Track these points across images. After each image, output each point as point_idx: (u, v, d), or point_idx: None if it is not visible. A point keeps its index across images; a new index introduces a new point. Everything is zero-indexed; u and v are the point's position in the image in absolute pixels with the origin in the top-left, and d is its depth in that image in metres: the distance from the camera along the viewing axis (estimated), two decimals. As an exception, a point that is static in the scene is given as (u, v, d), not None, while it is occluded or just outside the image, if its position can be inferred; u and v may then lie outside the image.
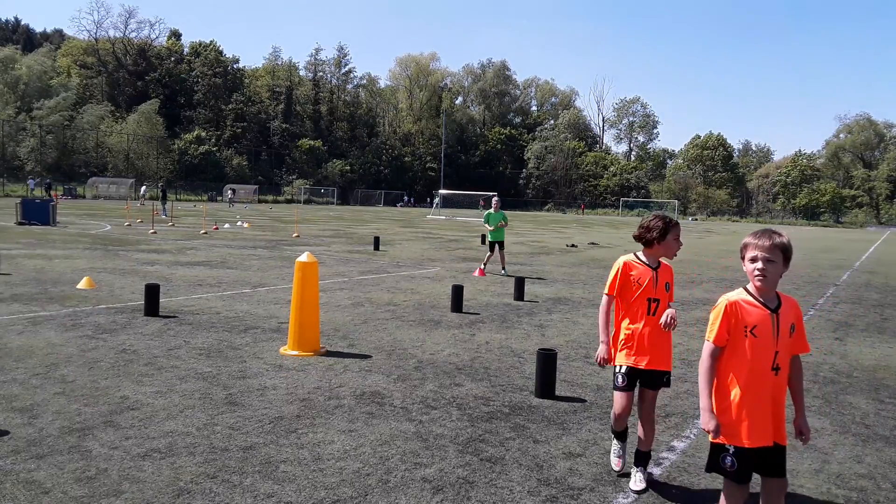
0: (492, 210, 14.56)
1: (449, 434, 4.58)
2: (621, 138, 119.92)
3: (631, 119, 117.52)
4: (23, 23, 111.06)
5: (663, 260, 3.99)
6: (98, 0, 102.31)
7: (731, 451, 2.88)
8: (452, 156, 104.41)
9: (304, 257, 6.82)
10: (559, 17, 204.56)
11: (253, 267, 13.77)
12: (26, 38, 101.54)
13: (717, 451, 2.94)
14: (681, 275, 15.93)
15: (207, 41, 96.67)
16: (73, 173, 67.97)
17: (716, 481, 3.81)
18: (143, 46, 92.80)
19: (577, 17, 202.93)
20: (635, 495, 3.79)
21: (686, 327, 9.12)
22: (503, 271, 14.26)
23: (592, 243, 27.08)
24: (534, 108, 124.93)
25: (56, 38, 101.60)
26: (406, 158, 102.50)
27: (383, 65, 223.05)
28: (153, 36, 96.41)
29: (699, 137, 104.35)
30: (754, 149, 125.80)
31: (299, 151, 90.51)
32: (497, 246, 14.38)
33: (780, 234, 2.86)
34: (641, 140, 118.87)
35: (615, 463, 4.08)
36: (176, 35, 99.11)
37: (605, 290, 3.98)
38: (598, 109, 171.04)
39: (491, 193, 20.89)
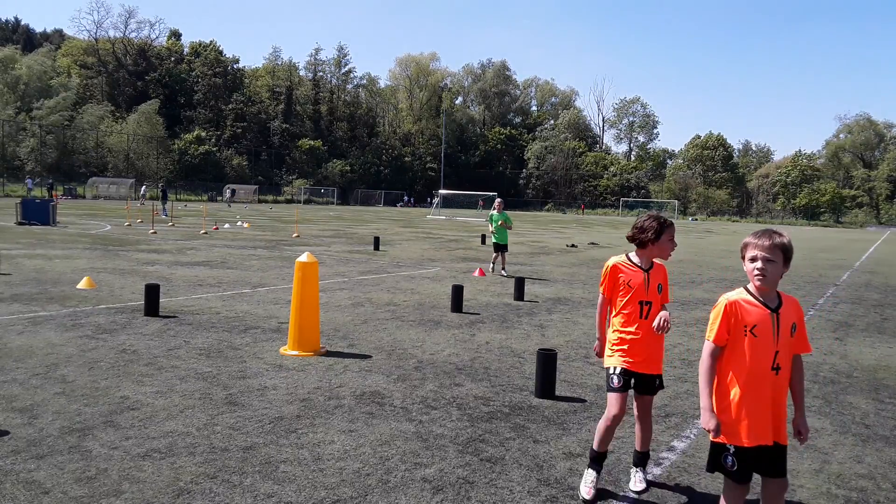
0: (494, 211, 14.57)
1: (449, 434, 4.58)
2: (621, 138, 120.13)
3: (631, 119, 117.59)
4: (23, 23, 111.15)
5: (657, 260, 3.87)
6: (98, 0, 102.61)
7: (731, 451, 2.88)
8: (452, 156, 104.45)
9: (304, 257, 6.81)
10: (559, 17, 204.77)
11: (253, 267, 13.77)
12: (26, 38, 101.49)
13: (717, 450, 2.94)
14: (681, 275, 15.92)
15: (207, 41, 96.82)
16: (73, 173, 67.97)
17: (716, 481, 3.82)
18: (143, 46, 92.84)
19: (577, 17, 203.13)
20: (635, 495, 3.79)
21: (686, 327, 9.12)
22: (503, 272, 14.25)
23: (592, 243, 27.09)
24: (534, 108, 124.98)
25: (56, 38, 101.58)
26: (406, 158, 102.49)
27: (383, 65, 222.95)
28: (153, 36, 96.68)
29: (699, 137, 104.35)
30: (754, 149, 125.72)
31: (299, 151, 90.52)
32: (499, 247, 14.38)
33: (780, 235, 2.86)
34: (641, 140, 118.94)
35: (586, 492, 3.72)
36: (176, 35, 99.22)
37: (600, 290, 3.95)
38: (598, 109, 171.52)
39: (491, 194, 20.93)
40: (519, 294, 10.91)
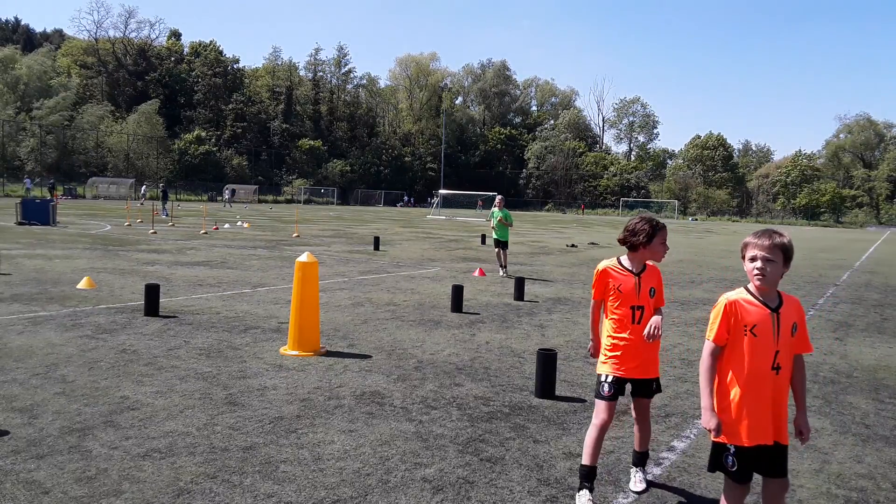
0: (495, 208, 14.61)
1: (449, 434, 4.58)
2: (621, 138, 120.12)
3: (631, 119, 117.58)
4: (23, 23, 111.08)
5: (650, 262, 3.77)
6: (98, 0, 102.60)
7: (731, 451, 2.88)
8: (452, 156, 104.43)
9: (304, 257, 6.81)
10: (559, 17, 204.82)
11: (253, 267, 13.77)
12: (26, 38, 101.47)
13: (718, 450, 2.93)
14: (681, 275, 15.93)
15: (207, 41, 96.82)
16: (73, 173, 67.97)
17: (716, 481, 3.81)
18: (143, 46, 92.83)
19: (577, 17, 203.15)
20: (635, 495, 3.79)
21: (686, 327, 9.13)
22: (503, 272, 14.25)
23: (592, 243, 27.09)
24: (534, 108, 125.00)
25: (56, 38, 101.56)
26: (406, 158, 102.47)
27: (383, 65, 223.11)
28: (153, 36, 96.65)
29: (699, 137, 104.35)
30: (754, 149, 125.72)
31: (299, 151, 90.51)
32: (500, 244, 14.40)
33: (780, 234, 2.85)
34: (641, 140, 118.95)
35: None
36: (176, 35, 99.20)
37: (592, 295, 3.91)
38: (598, 109, 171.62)
39: (491, 194, 20.95)
40: (519, 294, 10.92)
